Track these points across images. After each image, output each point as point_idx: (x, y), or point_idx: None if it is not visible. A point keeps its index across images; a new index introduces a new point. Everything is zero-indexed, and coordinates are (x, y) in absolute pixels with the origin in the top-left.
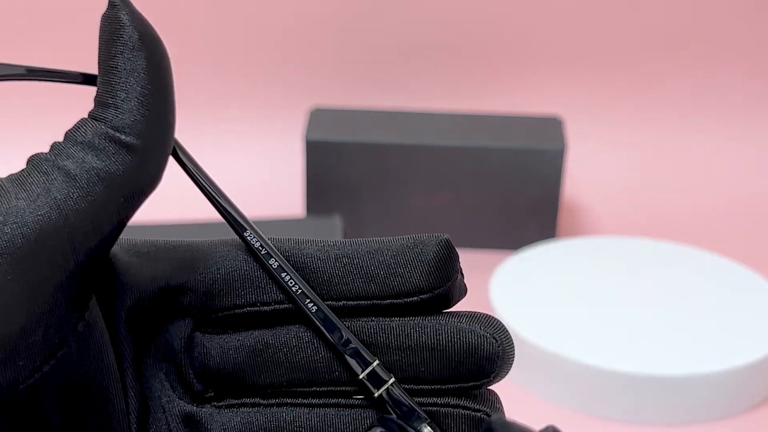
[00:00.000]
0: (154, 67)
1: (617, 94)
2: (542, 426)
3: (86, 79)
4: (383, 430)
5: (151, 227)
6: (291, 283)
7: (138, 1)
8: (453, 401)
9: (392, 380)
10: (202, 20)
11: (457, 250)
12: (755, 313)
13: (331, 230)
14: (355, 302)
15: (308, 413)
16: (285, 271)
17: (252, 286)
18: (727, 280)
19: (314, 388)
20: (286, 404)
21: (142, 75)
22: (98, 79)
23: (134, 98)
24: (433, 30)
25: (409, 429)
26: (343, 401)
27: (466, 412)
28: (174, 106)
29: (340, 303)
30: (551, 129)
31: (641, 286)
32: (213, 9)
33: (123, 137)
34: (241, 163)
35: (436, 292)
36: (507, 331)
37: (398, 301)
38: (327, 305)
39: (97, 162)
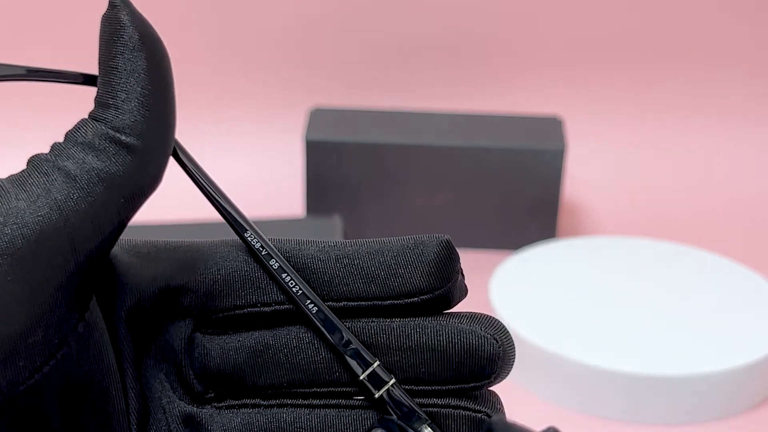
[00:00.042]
0: (155, 67)
1: (617, 94)
2: (543, 427)
3: (86, 80)
4: (384, 431)
5: (151, 227)
6: (291, 283)
7: (138, 2)
8: (454, 402)
9: (393, 381)
10: (202, 20)
11: (458, 250)
12: (755, 313)
13: (331, 230)
14: (356, 303)
15: (309, 414)
16: (285, 272)
17: (252, 287)
18: (727, 280)
19: (315, 389)
20: (286, 405)
21: (143, 75)
22: (98, 80)
23: (134, 99)
24: (433, 30)
25: (409, 430)
26: (343, 402)
27: (467, 413)
28: (174, 106)
29: (341, 304)
30: (551, 129)
31: (641, 286)
32: (213, 9)
33: (123, 138)
34: (241, 163)
35: (436, 292)
36: (508, 332)
37: (399, 301)
38: (327, 306)
39: (98, 163)
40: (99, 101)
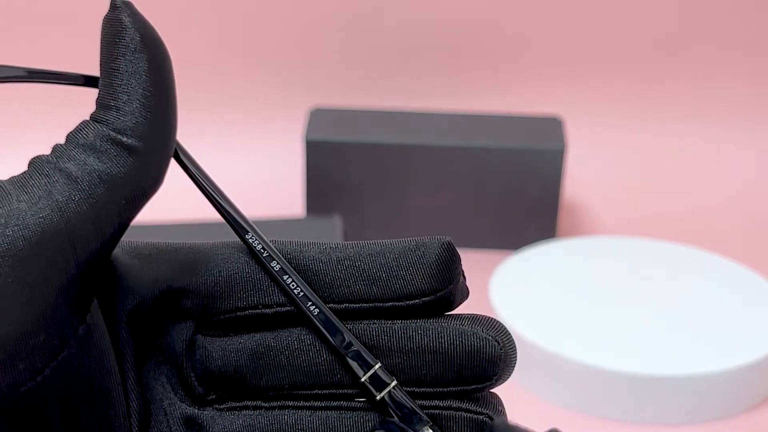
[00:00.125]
0: (156, 69)
1: (617, 94)
2: (543, 428)
3: (88, 81)
4: None
5: (152, 227)
6: (293, 285)
7: (139, 2)
8: (455, 404)
9: (394, 383)
10: (202, 20)
11: (458, 250)
12: (755, 313)
13: (331, 230)
14: (357, 305)
15: (310, 416)
16: (287, 274)
17: (254, 289)
18: (727, 280)
19: (316, 391)
20: (287, 407)
21: (144, 77)
22: (100, 81)
23: (136, 100)
24: (433, 30)
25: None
26: (344, 404)
27: (469, 414)
28: (176, 108)
29: (342, 305)
30: (551, 129)
31: (641, 286)
32: (213, 9)
33: (125, 139)
34: (241, 163)
35: (438, 294)
36: (509, 333)
37: (400, 303)
38: (329, 308)
39: (99, 164)
40: (100, 103)
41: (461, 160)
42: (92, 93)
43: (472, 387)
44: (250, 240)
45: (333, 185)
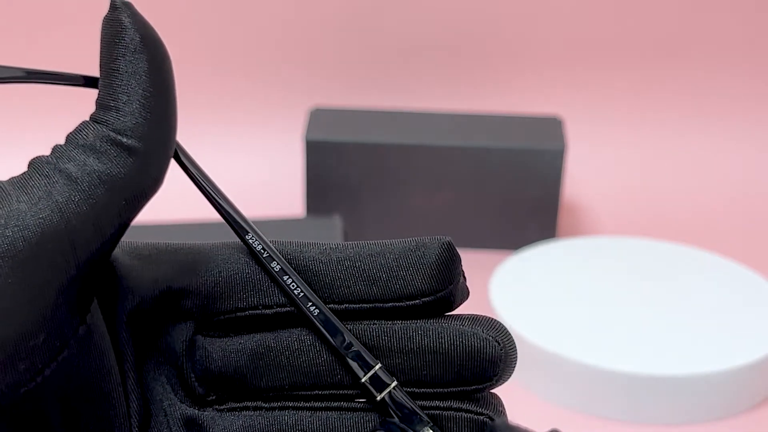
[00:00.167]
0: (156, 69)
1: (617, 94)
2: (544, 428)
3: (87, 82)
4: None
5: (152, 227)
6: (293, 286)
7: (139, 3)
8: (455, 404)
9: (394, 383)
10: (202, 20)
11: (458, 250)
12: (755, 313)
13: (331, 230)
14: (357, 305)
15: (310, 417)
16: (287, 274)
17: (254, 289)
18: (727, 280)
19: (316, 392)
20: (288, 408)
21: (144, 78)
22: (100, 82)
23: (136, 101)
24: (433, 30)
25: None
26: (345, 405)
27: (469, 415)
28: (176, 108)
29: (342, 306)
30: (551, 129)
31: (641, 286)
32: (213, 9)
33: (125, 140)
34: (241, 163)
35: (438, 295)
36: (509, 334)
37: (400, 304)
38: (329, 308)
39: (99, 165)
40: (100, 103)
41: (461, 160)
42: (92, 93)
43: (472, 387)
44: (250, 240)
45: (333, 185)
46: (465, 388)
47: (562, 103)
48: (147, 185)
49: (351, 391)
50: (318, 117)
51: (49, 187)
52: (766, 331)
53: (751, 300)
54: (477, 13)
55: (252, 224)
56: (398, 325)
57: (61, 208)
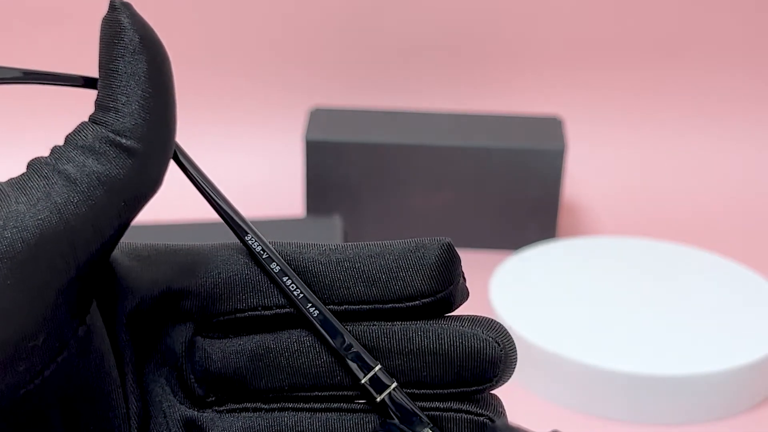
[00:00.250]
0: (155, 70)
1: (617, 94)
2: (544, 428)
3: (87, 83)
4: None
5: (152, 228)
6: (292, 287)
7: (138, 3)
8: (455, 405)
9: (394, 385)
10: (201, 21)
11: (458, 250)
12: (755, 313)
13: (331, 230)
14: (357, 306)
15: (310, 418)
16: (286, 275)
17: (253, 291)
18: (727, 280)
19: (316, 393)
20: (287, 409)
21: (143, 78)
22: (99, 83)
23: (135, 102)
24: (433, 30)
25: None
26: (345, 406)
27: (469, 416)
28: (175, 109)
29: (342, 307)
30: (551, 129)
31: (641, 286)
32: (213, 9)
33: (124, 141)
34: (241, 163)
35: (438, 296)
36: (509, 335)
37: (400, 305)
38: (328, 309)
39: (98, 166)
40: (99, 104)
41: (461, 160)
42: (91, 94)
43: (472, 388)
44: (249, 242)
45: (333, 185)
46: (465, 389)
47: (562, 103)
48: (146, 186)
49: (351, 393)
50: (318, 117)
51: (48, 188)
52: (766, 331)
53: (751, 300)
54: (477, 13)
55: (251, 225)
56: (398, 326)
57: (60, 209)
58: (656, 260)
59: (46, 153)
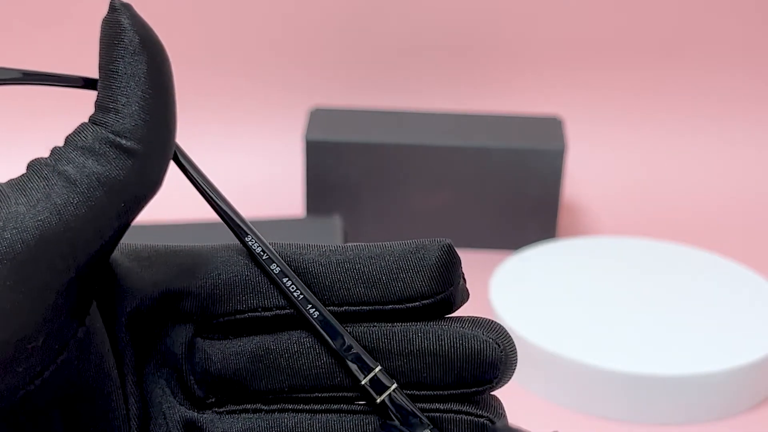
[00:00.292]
0: (155, 71)
1: (617, 94)
2: (544, 428)
3: (87, 83)
4: None
5: (152, 228)
6: (292, 288)
7: (138, 3)
8: (456, 407)
9: (394, 386)
10: (201, 21)
11: (457, 250)
12: (755, 313)
13: (331, 230)
14: (357, 308)
15: (310, 419)
16: (287, 276)
17: (253, 292)
18: (727, 280)
19: (316, 394)
20: (287, 410)
21: (143, 79)
22: (99, 84)
23: (135, 103)
24: (433, 30)
25: None
26: (345, 407)
27: (469, 417)
28: (175, 110)
29: (342, 308)
30: (551, 129)
31: (641, 286)
32: (213, 9)
33: (124, 142)
34: (241, 163)
35: (438, 297)
36: (510, 336)
37: (400, 306)
38: (329, 311)
39: (98, 167)
40: (99, 105)
41: (461, 160)
42: (91, 95)
43: (472, 390)
44: (249, 243)
45: (333, 185)
46: (465, 391)
47: (562, 103)
48: (146, 187)
49: (351, 394)
50: (318, 117)
51: (47, 189)
52: (766, 331)
53: (751, 300)
54: (477, 13)
55: (251, 226)
56: (398, 327)
57: (59, 210)
58: (656, 260)
59: (46, 154)
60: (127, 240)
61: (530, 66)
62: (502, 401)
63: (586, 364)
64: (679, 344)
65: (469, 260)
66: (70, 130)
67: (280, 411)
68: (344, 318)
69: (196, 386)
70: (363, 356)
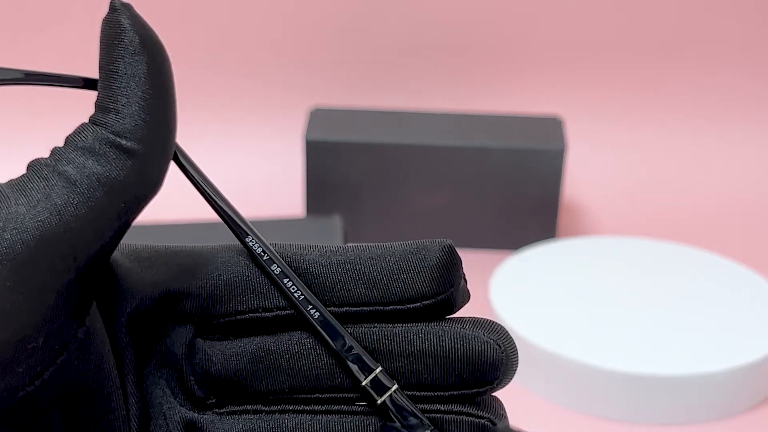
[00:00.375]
0: (155, 71)
1: (617, 94)
2: (544, 429)
3: (87, 84)
4: None
5: (152, 228)
6: (293, 289)
7: (138, 3)
8: (456, 408)
9: (395, 387)
10: (201, 21)
11: (458, 250)
12: (755, 313)
13: (331, 230)
14: (358, 308)
15: (310, 420)
16: (287, 277)
17: (254, 292)
18: (727, 280)
19: (316, 395)
20: (288, 411)
21: (143, 79)
22: (99, 84)
23: (135, 103)
24: (433, 30)
25: None
26: (345, 408)
27: (470, 418)
28: (175, 110)
29: (343, 309)
30: (551, 129)
31: (641, 286)
32: (213, 9)
33: (124, 142)
34: (241, 163)
35: (439, 298)
36: (510, 337)
37: (401, 307)
38: (329, 311)
39: (98, 167)
40: (99, 105)
41: (461, 160)
42: (91, 95)
43: (473, 391)
44: (250, 243)
45: (333, 185)
46: (466, 392)
47: (562, 103)
48: (146, 188)
49: (351, 395)
50: (318, 117)
51: (47, 189)
52: (766, 331)
53: (751, 300)
54: (477, 13)
55: (252, 227)
56: (399, 328)
57: (59, 210)
58: (656, 260)
59: (46, 154)
60: (127, 240)
61: (530, 66)
62: (503, 403)
63: (586, 364)
64: (679, 344)
65: (469, 260)
66: (70, 130)
67: (281, 412)
68: (345, 319)
69: (196, 387)
70: (364, 357)
